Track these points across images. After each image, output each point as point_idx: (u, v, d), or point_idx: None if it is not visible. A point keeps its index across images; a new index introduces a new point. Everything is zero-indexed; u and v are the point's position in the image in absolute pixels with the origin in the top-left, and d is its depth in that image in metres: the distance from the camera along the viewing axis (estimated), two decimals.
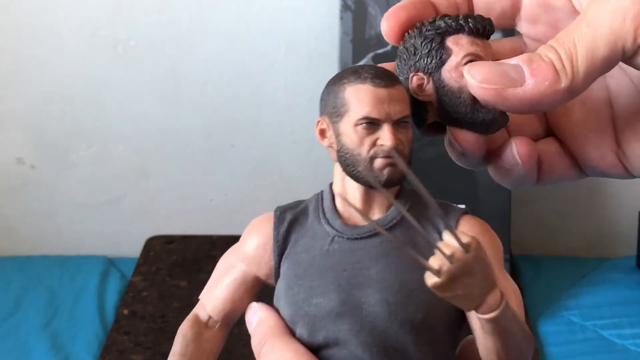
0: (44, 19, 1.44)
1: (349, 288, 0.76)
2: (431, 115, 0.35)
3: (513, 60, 0.32)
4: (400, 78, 0.38)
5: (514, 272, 1.46)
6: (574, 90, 0.31)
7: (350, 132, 0.79)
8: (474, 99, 0.33)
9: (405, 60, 0.36)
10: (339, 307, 0.76)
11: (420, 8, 0.36)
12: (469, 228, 0.82)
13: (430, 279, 0.54)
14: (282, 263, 0.81)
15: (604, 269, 1.48)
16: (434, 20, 0.36)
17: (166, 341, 1.29)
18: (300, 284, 0.78)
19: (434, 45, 0.34)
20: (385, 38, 0.38)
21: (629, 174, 0.35)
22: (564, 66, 0.31)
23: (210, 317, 0.82)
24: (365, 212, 0.81)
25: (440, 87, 0.35)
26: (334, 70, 1.37)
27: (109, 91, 1.49)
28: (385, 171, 0.78)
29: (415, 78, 0.36)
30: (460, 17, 0.36)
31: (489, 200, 1.35)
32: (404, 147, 0.79)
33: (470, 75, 0.32)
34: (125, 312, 1.36)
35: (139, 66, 1.47)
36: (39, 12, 1.44)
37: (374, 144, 0.78)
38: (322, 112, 0.83)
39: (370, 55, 1.40)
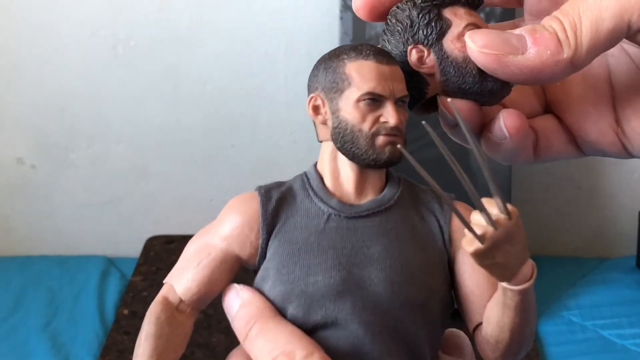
0: (44, 19, 1.44)
1: (350, 266, 0.74)
2: (432, 89, 0.36)
3: (517, 31, 0.31)
4: (394, 53, 0.37)
5: None
6: (577, 62, 0.30)
7: (351, 108, 0.76)
8: (480, 69, 0.32)
9: (400, 33, 0.35)
10: (341, 285, 0.74)
11: None
12: (463, 212, 0.81)
13: (472, 245, 0.51)
14: (270, 243, 0.77)
15: (604, 269, 1.48)
16: None
17: None
18: (295, 262, 0.75)
19: (432, 16, 0.33)
20: (357, 13, 0.37)
21: (627, 153, 0.34)
22: (567, 37, 0.30)
23: (181, 301, 0.76)
24: (358, 192, 0.77)
25: (443, 58, 0.34)
26: None
27: (109, 91, 1.49)
28: (387, 149, 0.75)
29: (414, 51, 0.35)
30: None
31: None
32: (404, 126, 0.76)
33: (471, 39, 0.31)
34: (125, 312, 1.36)
35: (139, 66, 1.47)
36: (39, 12, 1.44)
37: (376, 120, 0.75)
38: (315, 89, 0.79)
39: None
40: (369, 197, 0.78)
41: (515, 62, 0.31)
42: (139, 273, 1.47)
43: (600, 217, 1.58)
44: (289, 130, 1.52)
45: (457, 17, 0.33)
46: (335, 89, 0.77)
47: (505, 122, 0.34)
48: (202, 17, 1.45)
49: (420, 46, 0.34)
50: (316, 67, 0.86)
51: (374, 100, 0.74)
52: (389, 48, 0.36)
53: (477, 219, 0.50)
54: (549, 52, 0.30)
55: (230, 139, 1.53)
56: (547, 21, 0.31)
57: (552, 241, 1.59)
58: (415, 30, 0.33)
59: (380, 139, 0.75)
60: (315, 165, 0.82)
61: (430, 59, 0.34)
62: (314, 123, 0.85)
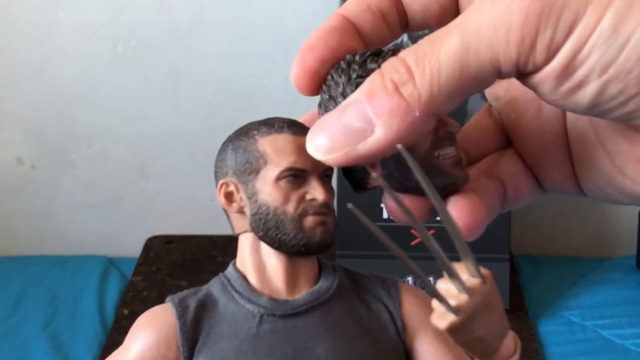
0: (44, 19, 1.44)
1: None
2: (373, 179, 0.29)
3: (354, 95, 0.26)
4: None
5: (514, 272, 1.46)
6: (437, 111, 0.25)
7: (270, 188, 0.68)
8: (428, 162, 0.27)
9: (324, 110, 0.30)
10: None
11: (335, 40, 0.29)
12: (410, 290, 0.73)
13: (445, 320, 0.43)
14: (195, 359, 0.68)
15: (604, 269, 1.48)
16: (364, 60, 0.28)
17: None
18: None
19: None
20: (297, 89, 0.29)
21: (585, 195, 0.32)
22: (415, 87, 0.25)
23: None
24: (290, 286, 0.69)
25: None
26: None
27: (109, 91, 1.49)
28: (318, 231, 0.67)
29: None
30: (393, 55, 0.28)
31: None
32: (332, 203, 0.69)
33: (314, 148, 0.26)
34: (125, 312, 1.36)
35: (139, 66, 1.47)
36: (39, 12, 1.44)
37: (301, 199, 0.68)
38: (225, 174, 0.73)
39: None
40: (303, 290, 0.69)
41: (368, 148, 0.25)
42: (139, 273, 1.46)
43: (600, 217, 1.58)
44: None
45: None
46: (249, 169, 0.69)
47: (458, 217, 0.29)
48: (202, 17, 1.45)
49: None
50: (222, 149, 0.76)
51: (296, 177, 0.67)
52: None
53: (446, 288, 0.42)
54: (396, 119, 0.25)
55: None
56: (389, 68, 0.25)
57: (552, 241, 1.59)
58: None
59: (309, 220, 0.67)
60: (234, 263, 0.72)
61: None
62: (227, 214, 0.73)
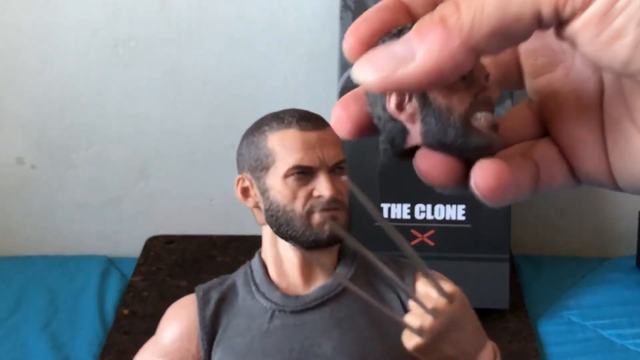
0: (44, 19, 1.44)
1: None
2: (412, 138, 0.30)
3: (409, 34, 0.27)
4: (372, 98, 0.32)
5: (514, 272, 1.46)
6: (477, 45, 0.26)
7: (279, 185, 0.68)
8: (466, 121, 0.28)
9: None
10: None
11: (388, 15, 0.30)
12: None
13: (411, 340, 0.44)
14: (213, 352, 0.70)
15: (604, 269, 1.48)
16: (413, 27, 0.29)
17: None
18: None
19: None
20: (348, 57, 0.32)
21: (621, 189, 0.31)
22: (459, 18, 0.25)
23: None
24: (306, 279, 0.70)
25: (425, 105, 0.28)
26: (334, 70, 1.37)
27: (109, 91, 1.49)
28: (327, 227, 0.67)
29: (394, 95, 0.29)
30: None
31: None
32: (344, 197, 0.69)
33: (358, 72, 0.27)
34: (125, 312, 1.36)
35: (139, 66, 1.47)
36: (39, 12, 1.44)
37: (309, 196, 0.68)
38: (242, 169, 0.73)
39: None
40: (319, 282, 0.70)
41: (407, 74, 0.26)
42: (139, 273, 1.46)
43: (600, 217, 1.58)
44: None
45: None
46: (261, 166, 0.70)
47: (477, 181, 0.28)
48: (202, 17, 1.45)
49: None
50: (240, 143, 0.76)
51: (304, 174, 0.67)
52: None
53: (425, 291, 0.43)
54: (437, 45, 0.26)
55: (230, 139, 1.53)
56: (439, 7, 0.26)
57: (552, 241, 1.59)
58: None
59: (317, 217, 0.67)
60: (259, 252, 0.74)
61: (411, 105, 0.29)
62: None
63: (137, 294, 1.41)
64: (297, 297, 0.70)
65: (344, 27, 1.37)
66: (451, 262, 1.33)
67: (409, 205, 1.34)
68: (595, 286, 1.41)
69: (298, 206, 0.68)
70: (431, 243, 1.34)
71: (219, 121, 1.52)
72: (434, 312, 0.47)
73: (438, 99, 0.28)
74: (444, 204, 1.34)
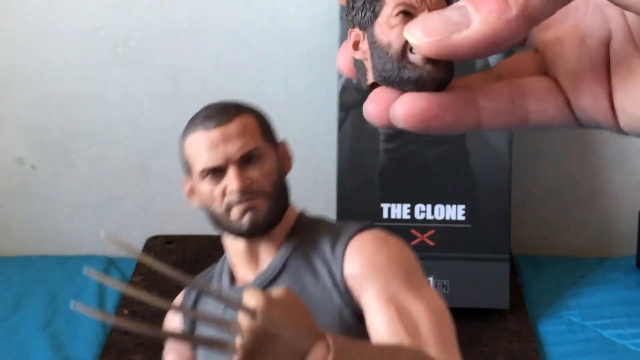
0: (44, 18, 1.44)
1: None
2: (370, 75, 0.31)
3: (461, 2, 0.28)
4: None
5: (514, 272, 1.46)
6: (532, 14, 0.27)
7: (200, 188, 0.72)
8: (401, 55, 0.29)
9: (346, 17, 0.34)
10: None
11: None
12: (360, 246, 0.71)
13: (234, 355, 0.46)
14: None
15: (604, 269, 1.48)
16: None
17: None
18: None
19: None
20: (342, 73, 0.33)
21: (619, 127, 0.32)
22: None
23: None
24: (253, 265, 0.73)
25: (372, 43, 0.30)
26: (334, 70, 1.37)
27: (109, 91, 1.49)
28: (245, 219, 0.69)
29: (352, 34, 0.30)
30: None
31: (489, 200, 1.35)
32: (261, 184, 0.70)
33: (410, 34, 0.28)
34: (125, 312, 1.36)
35: (139, 66, 1.47)
36: (39, 12, 1.44)
37: (224, 193, 0.70)
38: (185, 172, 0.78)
39: None
40: (265, 267, 0.72)
41: (461, 39, 0.27)
42: (139, 273, 1.46)
43: (600, 217, 1.58)
44: (289, 130, 1.52)
45: None
46: (187, 170, 0.76)
47: (394, 108, 0.29)
48: (202, 17, 1.45)
49: (357, 29, 0.31)
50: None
51: (214, 173, 0.70)
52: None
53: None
54: (494, 14, 0.26)
55: None
56: None
57: (552, 241, 1.59)
58: (354, 13, 0.31)
59: (235, 211, 0.69)
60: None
61: (364, 43, 0.31)
62: None
63: None
64: (241, 288, 0.72)
65: (344, 27, 1.37)
66: (451, 262, 1.33)
67: (409, 205, 1.34)
68: (595, 286, 1.41)
69: (217, 205, 0.71)
70: (431, 243, 1.34)
71: None
72: (241, 333, 0.49)
73: (380, 36, 0.30)
74: (444, 204, 1.34)
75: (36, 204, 1.57)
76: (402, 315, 0.65)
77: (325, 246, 0.72)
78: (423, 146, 1.35)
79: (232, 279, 0.75)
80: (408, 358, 0.60)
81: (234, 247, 0.74)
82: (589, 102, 0.31)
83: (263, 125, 0.72)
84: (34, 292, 1.44)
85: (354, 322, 0.69)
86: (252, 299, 0.52)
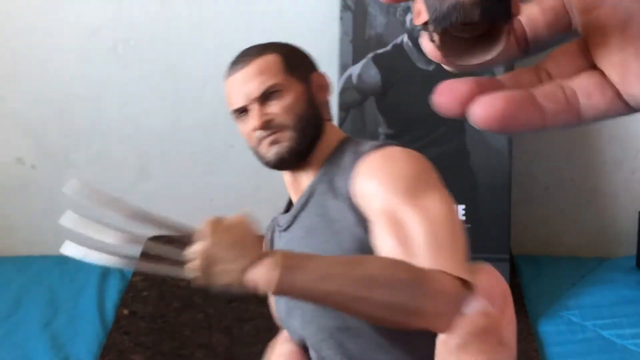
0: (44, 19, 1.44)
1: None
2: (423, 15, 0.34)
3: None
4: None
5: (514, 272, 1.46)
6: None
7: (239, 128, 0.76)
8: None
9: None
10: (284, 305, 0.77)
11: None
12: (367, 165, 0.74)
13: (192, 277, 0.62)
14: None
15: (604, 269, 1.48)
16: None
17: (166, 341, 1.29)
18: None
19: None
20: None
21: None
22: None
23: None
24: (297, 194, 0.77)
25: None
26: (334, 70, 1.37)
27: (109, 91, 1.49)
28: (271, 152, 0.73)
29: None
30: None
31: (489, 200, 1.35)
32: (283, 117, 0.73)
33: None
34: (125, 312, 1.36)
35: (139, 66, 1.47)
36: (39, 12, 1.44)
37: (252, 131, 0.74)
38: None
39: (370, 55, 1.40)
40: (301, 194, 0.77)
41: None
42: (139, 273, 1.46)
43: (600, 217, 1.58)
44: None
45: None
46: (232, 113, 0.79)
47: (476, 110, 0.30)
48: (202, 17, 1.45)
49: None
50: None
51: (241, 113, 0.75)
52: None
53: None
54: None
55: (230, 139, 1.53)
56: None
57: (552, 241, 1.59)
58: None
59: (263, 146, 0.74)
60: None
61: None
62: None
63: (137, 294, 1.41)
64: (285, 215, 0.78)
65: (344, 27, 1.37)
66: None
67: None
68: (595, 286, 1.41)
69: (250, 142, 0.76)
70: None
71: (219, 121, 1.52)
72: (195, 254, 0.62)
73: None
74: None
75: (36, 204, 1.57)
76: (394, 227, 0.67)
77: (347, 166, 0.75)
78: (423, 146, 1.35)
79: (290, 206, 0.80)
80: (376, 267, 0.65)
81: (285, 178, 0.79)
82: (638, 89, 0.32)
83: (289, 61, 0.75)
84: (34, 292, 1.44)
85: (367, 238, 0.71)
86: (205, 227, 0.62)
